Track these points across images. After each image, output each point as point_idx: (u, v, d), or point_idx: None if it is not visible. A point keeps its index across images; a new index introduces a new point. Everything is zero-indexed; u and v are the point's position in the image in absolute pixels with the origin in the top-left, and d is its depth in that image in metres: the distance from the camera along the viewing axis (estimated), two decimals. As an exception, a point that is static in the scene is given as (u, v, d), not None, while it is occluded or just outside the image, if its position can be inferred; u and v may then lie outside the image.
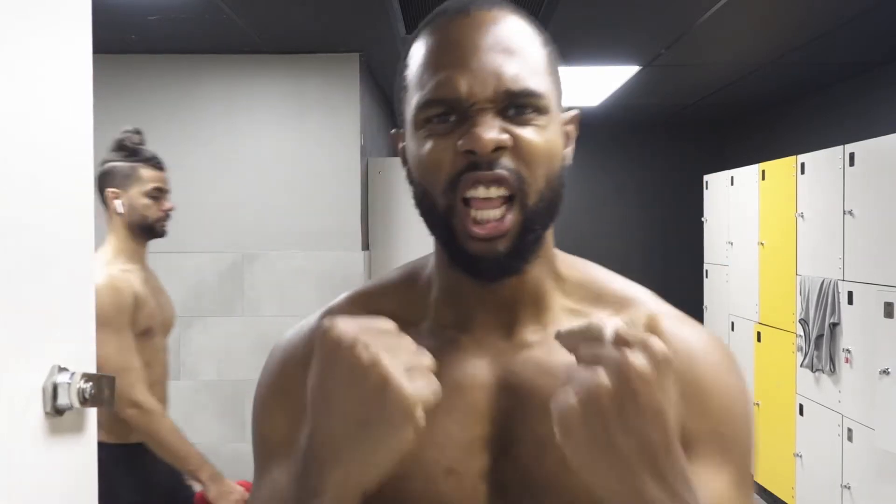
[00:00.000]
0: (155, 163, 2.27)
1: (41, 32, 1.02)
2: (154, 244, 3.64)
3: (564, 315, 0.76)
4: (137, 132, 2.30)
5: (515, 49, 0.70)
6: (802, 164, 3.78)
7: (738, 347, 4.66)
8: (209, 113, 3.66)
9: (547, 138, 0.70)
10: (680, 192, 6.11)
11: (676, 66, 4.07)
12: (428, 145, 0.70)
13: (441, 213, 0.72)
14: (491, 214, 0.68)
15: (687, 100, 5.12)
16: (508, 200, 0.68)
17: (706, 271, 5.20)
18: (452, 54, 0.70)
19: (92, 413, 1.09)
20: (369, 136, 4.03)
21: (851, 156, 3.30)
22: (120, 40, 3.42)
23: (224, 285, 3.66)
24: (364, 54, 3.72)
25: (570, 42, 3.57)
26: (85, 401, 1.01)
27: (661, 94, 4.92)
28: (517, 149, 0.69)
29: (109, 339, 2.00)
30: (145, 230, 2.29)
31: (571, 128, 0.78)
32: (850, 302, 3.28)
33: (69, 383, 1.00)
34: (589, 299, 0.78)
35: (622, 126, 6.11)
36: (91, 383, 1.02)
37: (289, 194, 3.66)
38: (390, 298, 0.81)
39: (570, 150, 0.78)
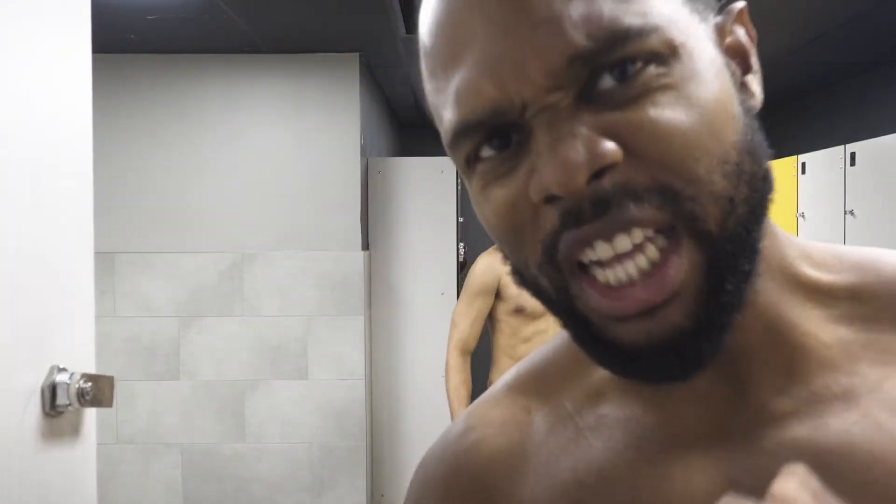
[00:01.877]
0: None
1: (41, 33, 1.01)
2: (154, 244, 3.65)
3: (840, 352, 0.44)
4: None
5: None
6: (803, 164, 3.78)
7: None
8: (209, 113, 3.65)
9: (694, 100, 0.38)
10: (680, 193, 6.10)
11: (676, 66, 4.07)
12: (488, 201, 0.42)
13: (554, 299, 0.42)
14: (632, 269, 0.38)
15: (687, 100, 5.11)
16: (670, 232, 0.39)
17: (706, 271, 5.19)
18: (463, 30, 0.40)
19: (91, 413, 1.08)
20: (369, 136, 4.03)
21: (852, 156, 3.30)
22: (120, 40, 3.42)
23: (224, 285, 3.66)
24: (364, 54, 3.72)
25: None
26: (84, 401, 1.01)
27: (661, 94, 4.91)
28: (640, 152, 0.38)
29: (462, 300, 2.50)
30: None
31: (737, 38, 0.43)
32: (851, 302, 3.27)
33: (68, 383, 1.00)
34: (889, 317, 0.44)
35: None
36: (90, 383, 1.02)
37: (289, 194, 3.66)
38: (556, 378, 0.51)
39: (751, 81, 0.43)
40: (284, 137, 3.66)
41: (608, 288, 0.39)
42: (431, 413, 3.67)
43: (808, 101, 4.98)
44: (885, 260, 0.47)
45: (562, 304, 0.42)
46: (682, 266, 0.38)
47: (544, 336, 2.41)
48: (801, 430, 0.42)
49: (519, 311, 2.42)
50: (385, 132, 4.93)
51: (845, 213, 3.31)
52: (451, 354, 2.51)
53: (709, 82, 0.39)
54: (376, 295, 3.92)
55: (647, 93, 0.38)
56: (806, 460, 0.38)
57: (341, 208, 3.67)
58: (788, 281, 0.45)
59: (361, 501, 3.69)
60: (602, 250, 0.38)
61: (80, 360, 1.06)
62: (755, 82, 0.43)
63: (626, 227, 0.38)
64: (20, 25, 0.97)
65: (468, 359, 2.53)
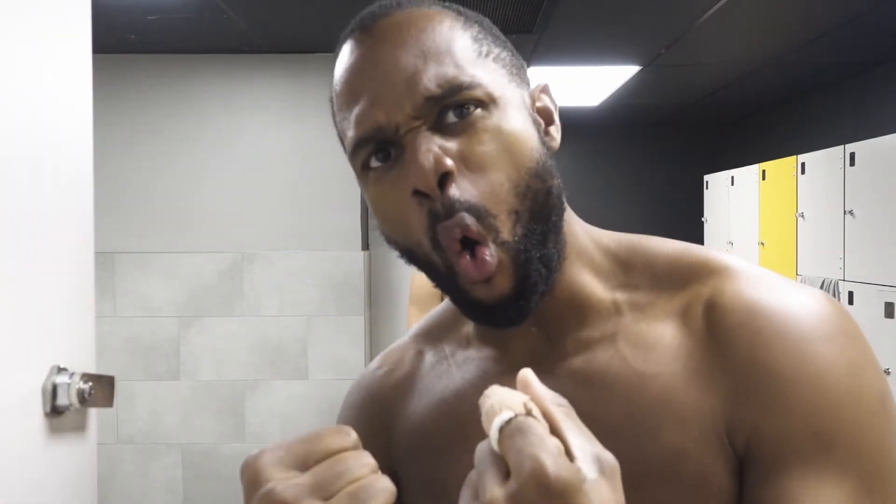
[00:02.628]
0: None
1: (41, 33, 1.01)
2: (154, 244, 3.65)
3: (611, 309, 0.65)
4: None
5: (427, 46, 0.58)
6: (803, 164, 3.78)
7: (738, 347, 4.66)
8: (209, 113, 3.66)
9: (504, 134, 0.58)
10: (680, 192, 6.11)
11: (676, 66, 4.07)
12: (380, 198, 0.61)
13: (443, 273, 0.61)
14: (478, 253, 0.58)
15: (687, 100, 5.11)
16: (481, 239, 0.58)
17: (706, 271, 5.19)
18: (360, 79, 0.60)
19: (92, 413, 1.08)
20: (369, 136, 4.03)
21: (852, 156, 3.30)
22: (120, 40, 3.42)
23: (223, 285, 3.66)
24: (364, 54, 3.72)
25: (570, 42, 3.57)
26: (84, 401, 1.01)
27: (661, 94, 4.92)
28: (468, 166, 0.57)
29: (412, 308, 2.48)
30: None
31: (544, 103, 0.65)
32: (851, 302, 3.28)
33: (69, 383, 1.00)
34: (645, 283, 0.65)
35: (622, 126, 6.11)
36: (91, 383, 1.02)
37: (289, 194, 3.66)
38: (442, 330, 0.74)
39: (553, 130, 0.64)
40: (284, 137, 3.66)
41: (470, 264, 0.58)
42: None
43: (808, 101, 4.98)
44: (645, 243, 0.68)
45: (448, 276, 0.60)
46: (493, 259, 0.57)
47: None
48: (578, 362, 0.63)
49: None
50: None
51: (845, 213, 3.31)
52: None
53: (515, 125, 0.59)
54: (376, 295, 3.92)
55: (474, 129, 0.58)
56: (578, 382, 0.62)
57: (341, 208, 3.67)
58: (582, 261, 0.66)
59: (361, 501, 3.69)
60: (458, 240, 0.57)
61: (80, 360, 1.06)
62: (556, 131, 0.64)
63: (464, 230, 0.56)
64: (20, 26, 0.97)
65: None
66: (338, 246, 3.67)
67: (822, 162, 3.58)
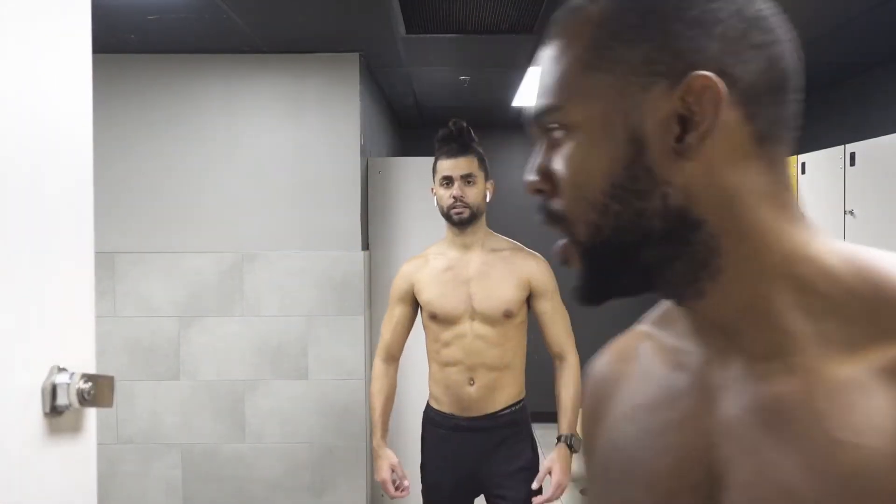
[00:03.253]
0: (447, 151, 2.33)
1: (41, 33, 1.01)
2: (154, 244, 3.65)
3: (819, 350, 0.55)
4: (455, 124, 2.34)
5: (546, 67, 0.67)
6: (803, 164, 3.78)
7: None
8: (209, 113, 3.65)
9: (574, 163, 0.63)
10: (680, 192, 6.10)
11: (676, 66, 4.07)
12: None
13: None
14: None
15: (687, 100, 5.11)
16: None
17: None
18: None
19: (91, 413, 1.08)
20: (369, 136, 4.03)
21: (852, 156, 3.30)
22: (120, 40, 3.42)
23: (224, 285, 3.66)
24: (364, 54, 3.72)
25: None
26: (84, 401, 1.01)
27: (661, 94, 4.92)
28: (555, 184, 0.65)
29: (388, 309, 2.50)
30: (446, 218, 2.38)
31: (688, 105, 0.57)
32: (851, 302, 3.27)
33: (68, 383, 1.00)
34: (862, 322, 0.54)
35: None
36: (90, 383, 1.02)
37: (289, 194, 3.66)
38: (671, 321, 0.70)
39: (690, 138, 0.57)
40: (284, 137, 3.66)
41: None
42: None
43: (808, 101, 4.95)
44: (883, 268, 0.56)
45: None
46: (566, 250, 0.63)
47: (463, 340, 2.34)
48: (761, 394, 0.57)
49: (433, 317, 2.38)
50: (385, 132, 4.93)
51: (845, 213, 3.31)
52: (374, 363, 2.51)
53: (590, 149, 0.59)
54: (376, 295, 3.92)
55: (558, 149, 0.61)
56: (759, 420, 0.56)
57: (341, 208, 3.67)
58: (775, 274, 0.57)
59: (361, 501, 3.69)
60: None
61: (80, 360, 1.06)
62: (694, 139, 0.56)
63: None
64: (19, 26, 0.97)
65: (393, 365, 2.49)
66: (338, 246, 3.67)
67: (822, 162, 3.58)
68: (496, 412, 2.35)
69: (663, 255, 0.58)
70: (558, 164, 0.61)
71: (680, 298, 0.61)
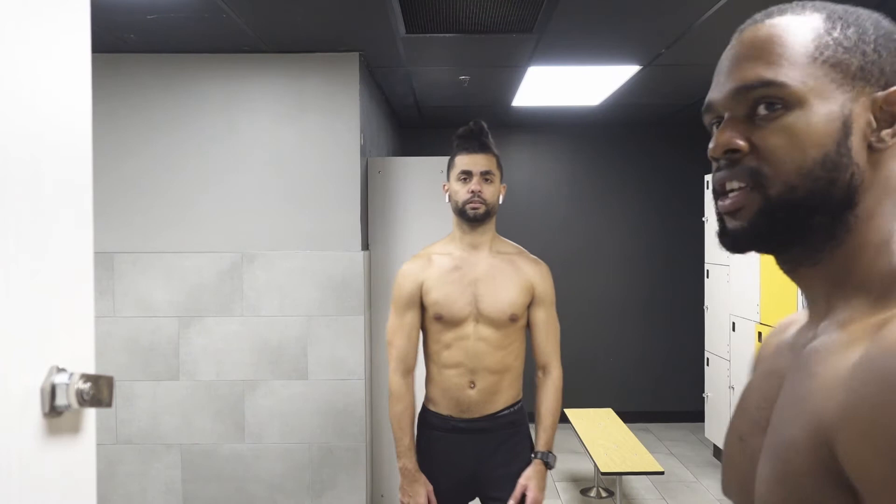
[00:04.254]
0: (467, 148, 2.30)
1: (40, 32, 1.01)
2: (154, 244, 3.64)
3: (861, 314, 0.69)
4: (475, 123, 2.36)
5: (762, 46, 0.76)
6: (803, 164, 3.77)
7: (739, 348, 4.66)
8: (209, 113, 3.65)
9: (797, 136, 0.73)
10: (680, 192, 6.11)
11: (676, 66, 4.07)
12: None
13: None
14: (730, 194, 0.77)
15: (687, 100, 5.11)
16: (747, 189, 0.76)
17: (707, 271, 5.20)
18: (719, 65, 0.83)
19: (91, 413, 1.08)
20: (369, 136, 4.03)
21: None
22: (119, 40, 3.42)
23: (223, 285, 3.66)
24: (364, 54, 3.71)
25: (570, 42, 3.57)
26: (84, 401, 1.01)
27: (661, 94, 4.92)
28: (760, 153, 0.74)
29: (392, 314, 2.38)
30: (459, 213, 2.32)
31: (892, 108, 0.73)
32: (851, 302, 3.27)
33: (68, 384, 1.00)
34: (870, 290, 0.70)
35: (622, 126, 6.11)
36: (90, 384, 1.01)
37: (289, 194, 3.66)
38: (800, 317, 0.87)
39: (887, 136, 0.73)
40: (284, 137, 3.66)
41: (724, 200, 0.75)
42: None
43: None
44: None
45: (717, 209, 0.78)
46: (743, 200, 0.73)
47: (465, 342, 2.29)
48: (810, 348, 0.71)
49: (438, 318, 2.30)
50: (385, 132, 4.93)
51: (845, 213, 3.31)
52: (391, 378, 2.36)
53: (810, 125, 0.70)
54: (376, 295, 3.91)
55: (775, 124, 0.71)
56: (799, 372, 0.70)
57: (341, 208, 3.67)
58: (878, 255, 0.70)
59: (361, 501, 3.69)
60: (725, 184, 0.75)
61: (79, 360, 1.05)
62: (888, 135, 0.71)
63: (732, 178, 0.74)
64: (17, 25, 0.97)
65: (410, 379, 2.36)
66: (338, 246, 3.67)
67: (823, 162, 3.57)
68: (495, 413, 2.34)
69: (821, 223, 0.71)
70: (772, 132, 0.71)
71: (802, 262, 0.74)
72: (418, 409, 2.43)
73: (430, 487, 2.33)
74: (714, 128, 0.78)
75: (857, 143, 0.70)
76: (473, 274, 2.32)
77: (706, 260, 5.20)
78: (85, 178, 1.11)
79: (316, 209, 3.66)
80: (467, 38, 3.50)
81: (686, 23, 3.26)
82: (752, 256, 4.34)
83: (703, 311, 5.32)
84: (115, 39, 3.40)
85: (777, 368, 0.76)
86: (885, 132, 0.70)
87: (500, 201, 2.35)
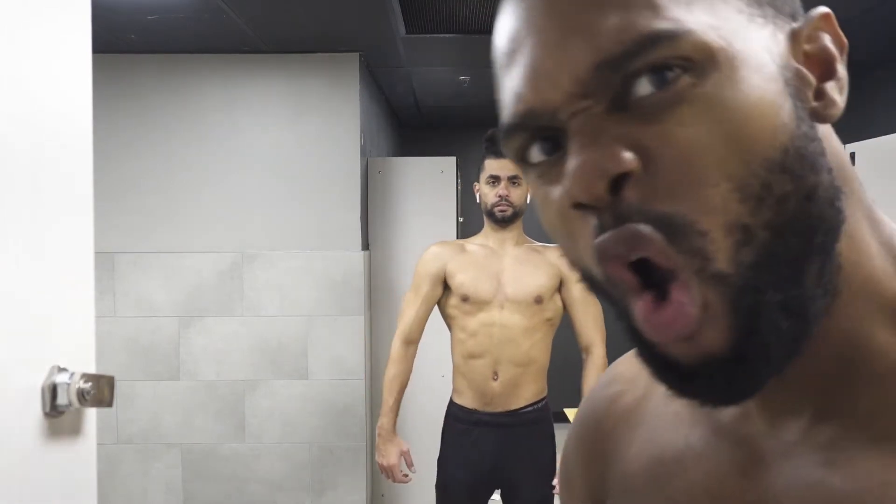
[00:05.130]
0: (495, 152, 2.39)
1: (41, 33, 1.01)
2: (154, 244, 3.65)
3: None
4: None
5: None
6: (803, 164, 3.77)
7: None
8: (209, 113, 3.65)
9: (725, 114, 0.37)
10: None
11: (676, 66, 4.07)
12: (542, 203, 0.43)
13: (619, 309, 0.42)
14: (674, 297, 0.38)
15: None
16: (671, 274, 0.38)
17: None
18: (516, 35, 0.42)
19: (91, 413, 1.08)
20: (369, 136, 4.03)
21: (852, 156, 3.30)
22: (120, 40, 3.42)
23: (224, 285, 3.66)
24: (364, 54, 3.72)
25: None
26: (84, 400, 1.01)
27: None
28: (658, 170, 0.37)
29: (410, 289, 2.46)
30: (488, 215, 2.43)
31: (820, 44, 0.42)
32: (851, 302, 3.28)
33: (68, 383, 1.00)
34: None
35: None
36: (90, 383, 1.02)
37: (289, 194, 3.66)
38: None
39: (831, 89, 0.41)
40: (284, 137, 3.66)
41: (652, 311, 0.38)
42: (431, 413, 3.67)
43: (808, 101, 4.97)
44: None
45: (622, 315, 0.41)
46: (694, 307, 0.37)
47: (490, 329, 2.34)
48: (824, 472, 0.40)
49: (465, 299, 2.36)
50: (385, 132, 4.93)
51: (845, 213, 3.31)
52: (393, 343, 2.47)
53: (748, 92, 0.37)
54: (376, 295, 3.92)
55: (677, 105, 0.37)
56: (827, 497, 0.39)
57: (341, 208, 3.67)
58: (875, 300, 0.41)
59: (361, 501, 3.69)
60: (619, 265, 0.39)
61: (80, 360, 1.06)
62: (835, 90, 0.41)
63: (633, 247, 0.38)
64: (19, 25, 0.97)
65: (411, 349, 2.45)
66: (338, 246, 3.67)
67: (823, 162, 3.57)
68: (519, 409, 2.37)
69: (825, 278, 0.39)
70: (686, 127, 0.37)
71: (743, 390, 0.40)
72: (431, 402, 2.50)
73: (405, 448, 2.44)
74: (537, 151, 0.42)
75: (804, 112, 0.40)
76: (501, 261, 2.39)
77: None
78: (85, 178, 1.11)
79: (316, 209, 3.66)
80: (467, 38, 3.50)
81: (686, 23, 3.26)
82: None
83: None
84: (115, 40, 3.40)
85: (706, 483, 0.46)
86: (829, 85, 0.41)
87: (528, 201, 2.42)
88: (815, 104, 0.40)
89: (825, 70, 0.41)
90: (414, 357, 2.48)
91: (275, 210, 3.66)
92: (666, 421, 0.51)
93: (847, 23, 3.32)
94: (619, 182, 0.37)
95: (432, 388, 3.64)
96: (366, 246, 3.85)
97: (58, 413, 1.00)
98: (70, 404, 1.00)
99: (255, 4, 2.97)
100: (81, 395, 1.00)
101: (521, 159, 0.43)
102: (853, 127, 4.34)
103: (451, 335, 2.46)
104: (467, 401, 2.41)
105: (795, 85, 0.39)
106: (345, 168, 3.67)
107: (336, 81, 3.66)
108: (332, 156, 3.67)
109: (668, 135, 0.37)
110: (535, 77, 0.39)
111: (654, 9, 0.37)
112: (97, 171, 1.26)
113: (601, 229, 0.38)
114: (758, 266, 0.37)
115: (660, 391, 0.51)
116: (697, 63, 0.37)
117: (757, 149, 0.37)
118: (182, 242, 3.65)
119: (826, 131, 0.41)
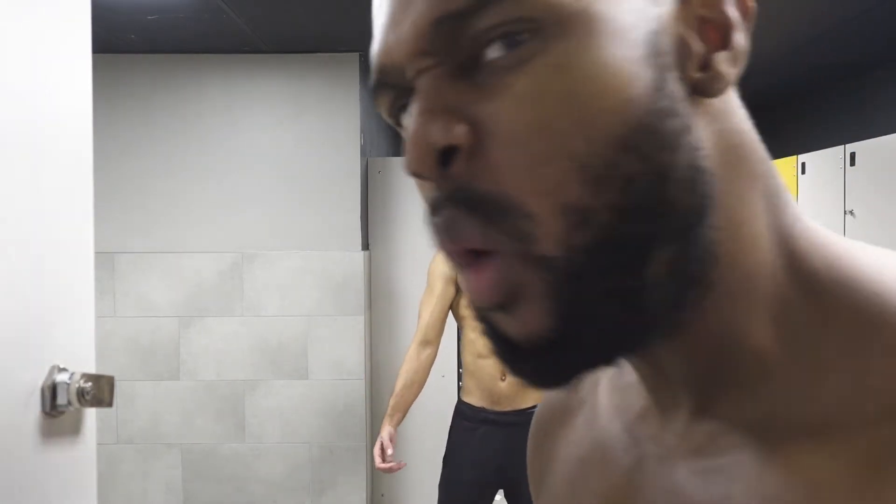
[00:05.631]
0: None
1: (41, 33, 1.01)
2: (154, 244, 3.65)
3: (799, 390, 0.36)
4: None
5: None
6: (803, 164, 3.78)
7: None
8: (209, 113, 3.66)
9: (572, 85, 0.33)
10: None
11: (676, 66, 4.07)
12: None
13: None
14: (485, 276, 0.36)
15: (687, 100, 5.12)
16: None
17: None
18: (379, 4, 0.39)
19: (91, 413, 1.08)
20: (369, 136, 4.03)
21: (852, 156, 3.30)
22: (120, 40, 3.42)
23: (224, 285, 3.66)
24: (364, 54, 3.72)
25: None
26: (84, 400, 1.01)
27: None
28: (489, 145, 0.35)
29: (426, 290, 2.47)
30: None
31: (720, 8, 0.37)
32: (851, 302, 3.27)
33: (68, 383, 1.00)
34: (853, 345, 0.35)
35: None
36: (90, 383, 1.02)
37: (289, 194, 3.66)
38: None
39: (720, 61, 0.37)
40: (284, 137, 3.67)
41: (474, 278, 0.37)
42: (432, 413, 3.67)
43: (808, 101, 4.98)
44: (870, 265, 0.38)
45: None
46: (523, 282, 0.35)
47: None
48: (690, 475, 0.39)
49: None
50: (385, 132, 4.93)
51: (845, 213, 3.31)
52: (411, 344, 2.48)
53: (599, 61, 0.33)
54: (376, 295, 3.92)
55: (519, 75, 0.34)
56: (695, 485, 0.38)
57: (341, 208, 3.67)
58: (756, 298, 0.38)
59: (361, 501, 3.69)
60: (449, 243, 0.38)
61: (80, 360, 1.06)
62: (726, 61, 0.37)
63: (463, 223, 0.36)
64: (20, 25, 0.97)
65: (427, 350, 2.43)
66: (338, 246, 3.67)
67: (823, 162, 3.58)
68: (526, 408, 2.38)
69: (666, 268, 0.35)
70: (518, 104, 0.34)
71: (559, 376, 0.38)
72: (434, 400, 2.51)
73: (385, 435, 2.42)
74: (401, 115, 0.40)
75: (679, 86, 0.36)
76: None
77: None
78: (86, 178, 1.11)
79: (316, 209, 3.66)
80: (467, 39, 3.50)
81: (686, 23, 3.26)
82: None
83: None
84: (115, 40, 3.40)
85: (605, 489, 0.45)
86: (720, 56, 0.37)
87: None
88: (697, 76, 0.36)
89: (720, 39, 0.37)
90: (430, 360, 2.45)
91: (275, 210, 3.66)
92: (600, 417, 0.49)
93: (846, 23, 3.33)
94: (448, 155, 0.35)
95: (433, 388, 3.64)
96: (366, 246, 3.85)
97: (58, 413, 1.00)
98: (70, 404, 1.00)
99: (255, 4, 2.97)
100: (81, 394, 1.00)
101: (397, 122, 0.41)
102: (853, 127, 4.34)
103: (463, 335, 2.49)
104: (475, 399, 2.45)
105: (672, 54, 0.35)
106: (345, 168, 3.67)
107: (336, 81, 3.66)
108: (331, 156, 3.67)
109: (504, 108, 0.34)
110: (385, 31, 0.37)
111: None
112: (97, 171, 1.26)
113: (433, 207, 0.37)
114: (592, 250, 0.34)
115: (600, 391, 0.50)
116: (546, 26, 0.33)
117: (602, 125, 0.33)
118: (182, 242, 3.65)
119: (720, 106, 0.38)
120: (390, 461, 2.40)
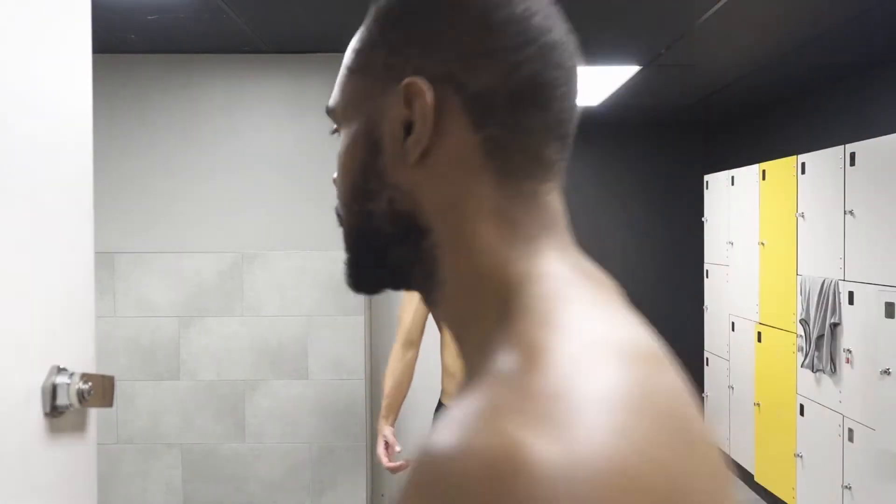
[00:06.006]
0: None
1: (41, 33, 1.01)
2: (154, 244, 3.65)
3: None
4: None
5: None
6: (803, 164, 3.78)
7: (738, 347, 4.66)
8: (209, 113, 3.65)
9: (341, 158, 0.63)
10: (680, 192, 6.11)
11: (676, 66, 4.07)
12: None
13: None
14: None
15: (687, 100, 5.11)
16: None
17: (706, 271, 5.20)
18: None
19: (91, 413, 1.08)
20: (369, 136, 4.04)
21: (852, 156, 3.30)
22: (120, 40, 3.42)
23: (224, 285, 3.66)
24: (364, 54, 3.72)
25: (570, 42, 3.57)
26: (84, 401, 1.01)
27: (661, 94, 4.92)
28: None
29: (405, 293, 2.47)
30: None
31: (408, 111, 0.56)
32: (851, 302, 3.28)
33: (68, 383, 1.00)
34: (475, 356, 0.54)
35: (622, 126, 6.11)
36: (90, 383, 1.02)
37: (289, 194, 3.66)
38: None
39: (410, 142, 0.56)
40: (284, 137, 3.67)
41: None
42: (430, 413, 3.67)
43: (808, 101, 4.98)
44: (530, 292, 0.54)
45: None
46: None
47: None
48: None
49: None
50: (385, 132, 4.94)
51: (845, 213, 3.31)
52: (394, 346, 2.55)
53: (346, 148, 0.62)
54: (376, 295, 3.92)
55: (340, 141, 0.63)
56: None
57: (341, 208, 3.67)
58: (485, 296, 0.56)
59: (361, 501, 3.69)
60: None
61: (80, 360, 1.05)
62: (411, 143, 0.56)
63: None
64: (20, 26, 0.97)
65: (410, 351, 2.52)
66: (338, 246, 3.64)
67: (822, 162, 3.58)
68: None
69: (404, 258, 0.60)
70: (336, 161, 0.64)
71: (428, 303, 0.61)
72: (420, 400, 2.52)
73: (382, 435, 2.51)
74: None
75: (390, 161, 0.57)
76: None
77: (706, 260, 5.20)
78: (86, 179, 1.11)
79: (316, 209, 3.66)
80: (467, 39, 3.50)
81: (686, 23, 3.26)
82: (752, 256, 4.34)
83: (702, 310, 5.32)
84: (115, 40, 3.40)
85: None
86: (409, 140, 0.56)
87: None
88: (402, 150, 0.56)
89: (409, 129, 0.56)
90: (414, 360, 2.53)
91: (275, 210, 3.66)
92: None
93: (846, 23, 3.33)
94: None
95: (433, 388, 3.63)
96: (366, 246, 3.85)
97: (58, 413, 1.00)
98: (70, 404, 1.00)
99: (255, 4, 2.97)
100: (81, 395, 1.00)
101: None
102: (853, 127, 4.34)
103: (442, 337, 2.49)
104: (454, 400, 2.45)
105: (385, 137, 0.58)
106: (345, 168, 3.67)
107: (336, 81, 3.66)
108: (332, 156, 3.67)
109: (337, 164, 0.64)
110: None
111: (333, 95, 0.65)
112: (97, 171, 1.26)
113: None
114: (355, 241, 0.65)
115: None
116: (338, 128, 0.64)
117: (345, 180, 0.62)
118: (182, 242, 3.65)
119: (442, 170, 0.56)
120: (396, 460, 2.44)
